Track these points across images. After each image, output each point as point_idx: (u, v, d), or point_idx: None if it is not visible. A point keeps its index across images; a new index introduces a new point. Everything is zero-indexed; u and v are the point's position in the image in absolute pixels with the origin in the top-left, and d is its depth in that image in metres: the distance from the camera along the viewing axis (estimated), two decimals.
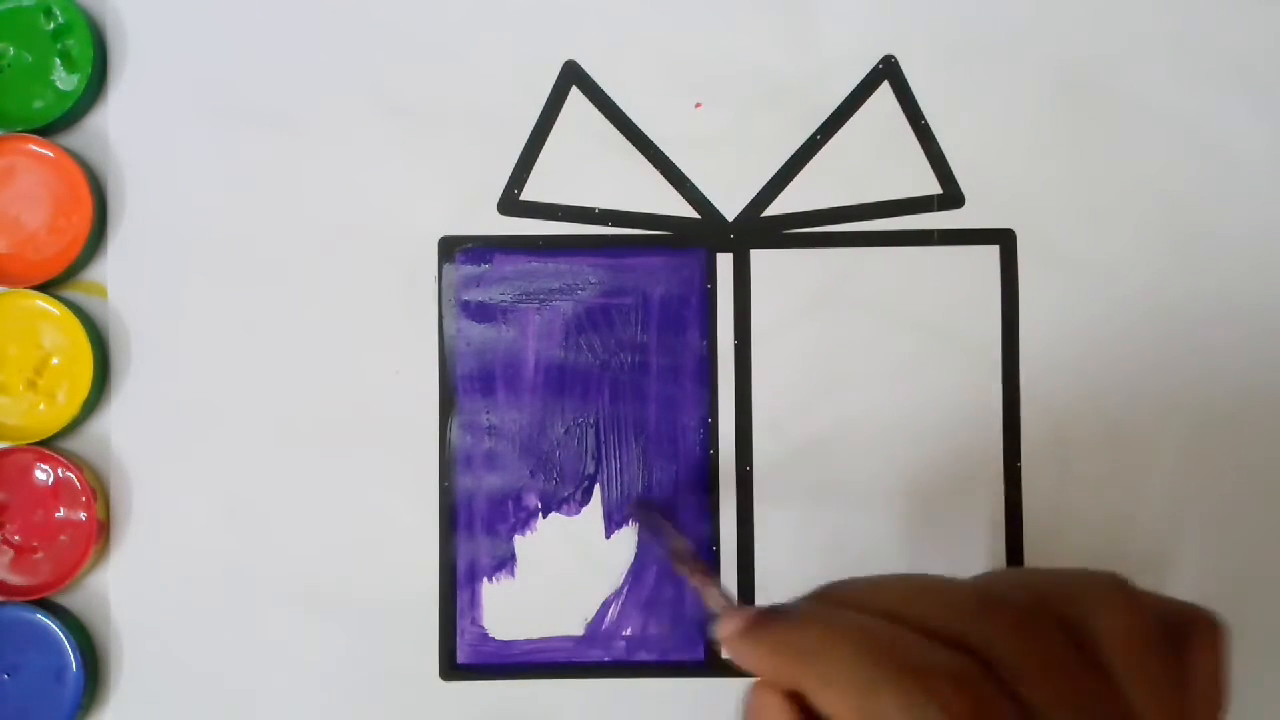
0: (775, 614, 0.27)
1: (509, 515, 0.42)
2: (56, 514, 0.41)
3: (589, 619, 0.42)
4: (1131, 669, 0.25)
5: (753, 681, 0.27)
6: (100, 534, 0.41)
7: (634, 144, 0.42)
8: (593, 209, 0.42)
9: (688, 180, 0.42)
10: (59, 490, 0.41)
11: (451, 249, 0.42)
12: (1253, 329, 0.42)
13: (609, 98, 0.42)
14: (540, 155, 0.42)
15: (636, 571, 0.42)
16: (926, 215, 0.42)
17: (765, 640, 0.26)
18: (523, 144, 0.42)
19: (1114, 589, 0.26)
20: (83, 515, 0.41)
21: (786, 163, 0.42)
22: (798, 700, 0.25)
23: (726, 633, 0.27)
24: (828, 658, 0.24)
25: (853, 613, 0.26)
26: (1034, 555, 0.42)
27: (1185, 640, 0.26)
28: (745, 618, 0.27)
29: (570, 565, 0.42)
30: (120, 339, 0.42)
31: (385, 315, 0.42)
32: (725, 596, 0.32)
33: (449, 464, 0.42)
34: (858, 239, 0.42)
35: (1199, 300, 0.42)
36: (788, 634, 0.26)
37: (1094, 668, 0.25)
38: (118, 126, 0.42)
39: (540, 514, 0.42)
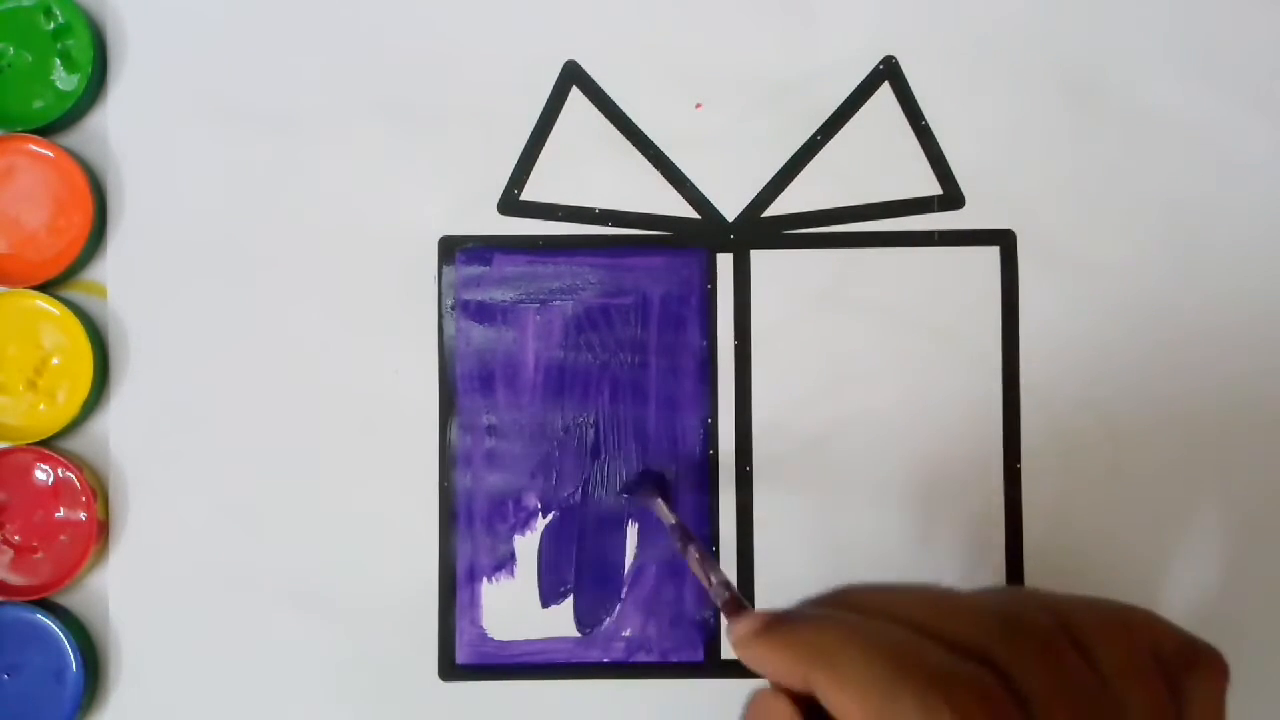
0: (792, 615, 0.26)
1: (509, 515, 0.42)
2: (56, 514, 0.41)
3: None
4: (1129, 696, 0.25)
5: (757, 684, 0.26)
6: (100, 534, 0.41)
7: (634, 144, 0.42)
8: (593, 209, 0.42)
9: (688, 180, 0.42)
10: (59, 490, 0.41)
11: (451, 249, 0.42)
12: (1253, 329, 0.42)
13: (609, 98, 0.42)
14: (540, 155, 0.42)
15: (636, 572, 0.42)
16: (927, 216, 0.42)
17: (781, 640, 0.26)
18: (523, 144, 0.42)
19: (1113, 619, 0.26)
20: (83, 515, 0.41)
21: (786, 163, 0.42)
22: (803, 705, 0.25)
23: (741, 632, 0.27)
24: (848, 659, 0.24)
25: (873, 618, 0.26)
26: (1034, 555, 0.42)
27: (1189, 672, 0.26)
28: (761, 618, 0.27)
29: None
30: (120, 339, 0.42)
31: (385, 315, 0.42)
32: (726, 586, 0.32)
33: (449, 464, 0.42)
34: (858, 239, 0.42)
35: (1199, 300, 0.42)
36: (805, 634, 0.25)
37: (1108, 698, 0.25)
38: (118, 126, 0.42)
39: (540, 514, 0.42)
